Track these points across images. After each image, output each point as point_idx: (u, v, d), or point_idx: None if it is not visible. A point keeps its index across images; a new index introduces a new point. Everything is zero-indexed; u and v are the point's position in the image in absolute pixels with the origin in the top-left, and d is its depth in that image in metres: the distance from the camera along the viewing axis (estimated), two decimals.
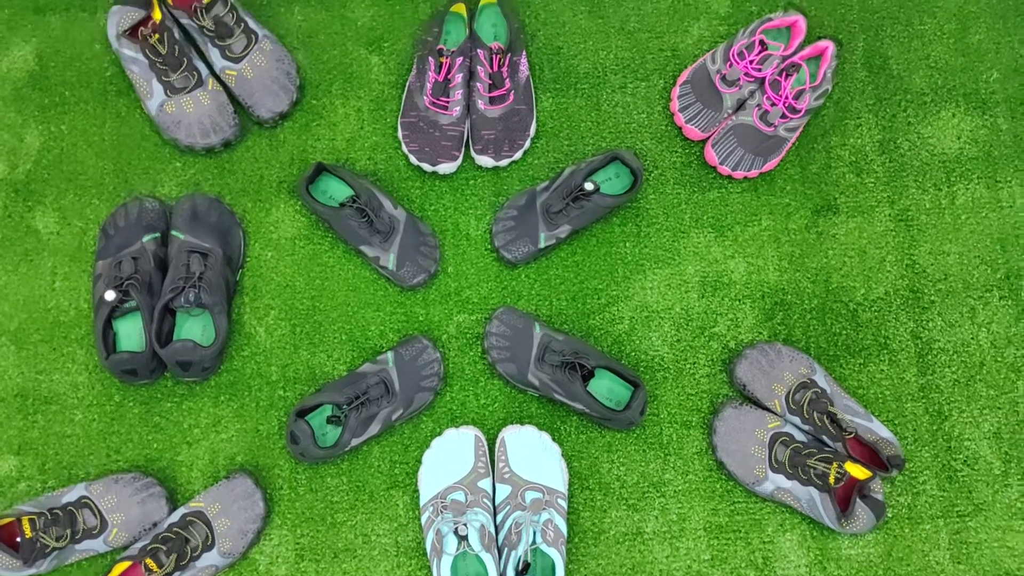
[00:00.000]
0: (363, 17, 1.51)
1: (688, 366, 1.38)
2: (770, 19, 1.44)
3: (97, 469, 1.32)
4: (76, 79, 1.46)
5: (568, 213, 1.37)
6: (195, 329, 1.34)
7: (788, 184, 1.46)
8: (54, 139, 1.44)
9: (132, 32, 1.39)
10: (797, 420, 1.30)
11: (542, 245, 1.38)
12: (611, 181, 1.42)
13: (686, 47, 1.52)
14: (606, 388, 1.34)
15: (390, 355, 1.32)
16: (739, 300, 1.41)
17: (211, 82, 1.42)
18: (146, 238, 1.35)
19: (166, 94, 1.40)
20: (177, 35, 1.40)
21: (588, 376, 1.31)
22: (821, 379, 1.32)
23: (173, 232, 1.34)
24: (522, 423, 1.34)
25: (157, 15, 1.37)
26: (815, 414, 1.28)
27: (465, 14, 1.46)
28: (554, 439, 1.34)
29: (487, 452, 1.30)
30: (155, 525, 1.26)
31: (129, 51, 1.39)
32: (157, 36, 1.37)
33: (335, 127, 1.46)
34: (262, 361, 1.36)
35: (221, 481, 1.28)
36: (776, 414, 1.32)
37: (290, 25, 1.50)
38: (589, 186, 1.35)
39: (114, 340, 1.32)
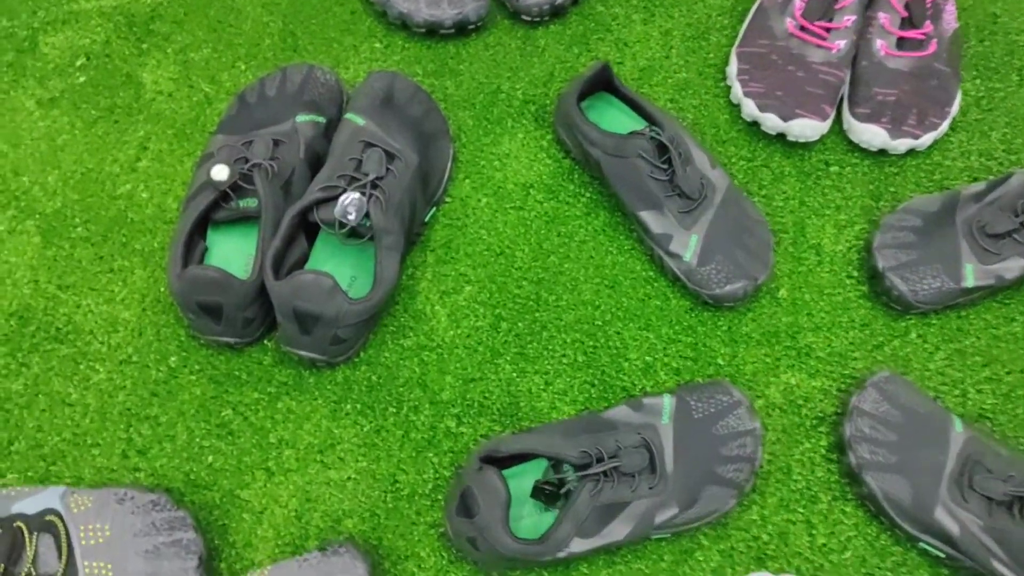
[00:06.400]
0: None
1: None
2: None
3: (95, 474, 0.72)
4: None
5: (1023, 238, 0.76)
6: (343, 268, 0.76)
7: None
8: None
9: None
10: None
11: (969, 284, 0.76)
12: None
13: None
14: None
15: (668, 401, 0.70)
16: None
17: None
18: (302, 118, 0.81)
19: None
20: None
21: None
22: None
23: (348, 115, 0.79)
24: None
25: None
26: None
27: None
28: None
29: None
30: None
31: None
32: None
33: (625, 48, 0.92)
34: (432, 363, 0.76)
35: (310, 555, 0.66)
36: None
37: None
38: None
39: (202, 257, 0.75)
